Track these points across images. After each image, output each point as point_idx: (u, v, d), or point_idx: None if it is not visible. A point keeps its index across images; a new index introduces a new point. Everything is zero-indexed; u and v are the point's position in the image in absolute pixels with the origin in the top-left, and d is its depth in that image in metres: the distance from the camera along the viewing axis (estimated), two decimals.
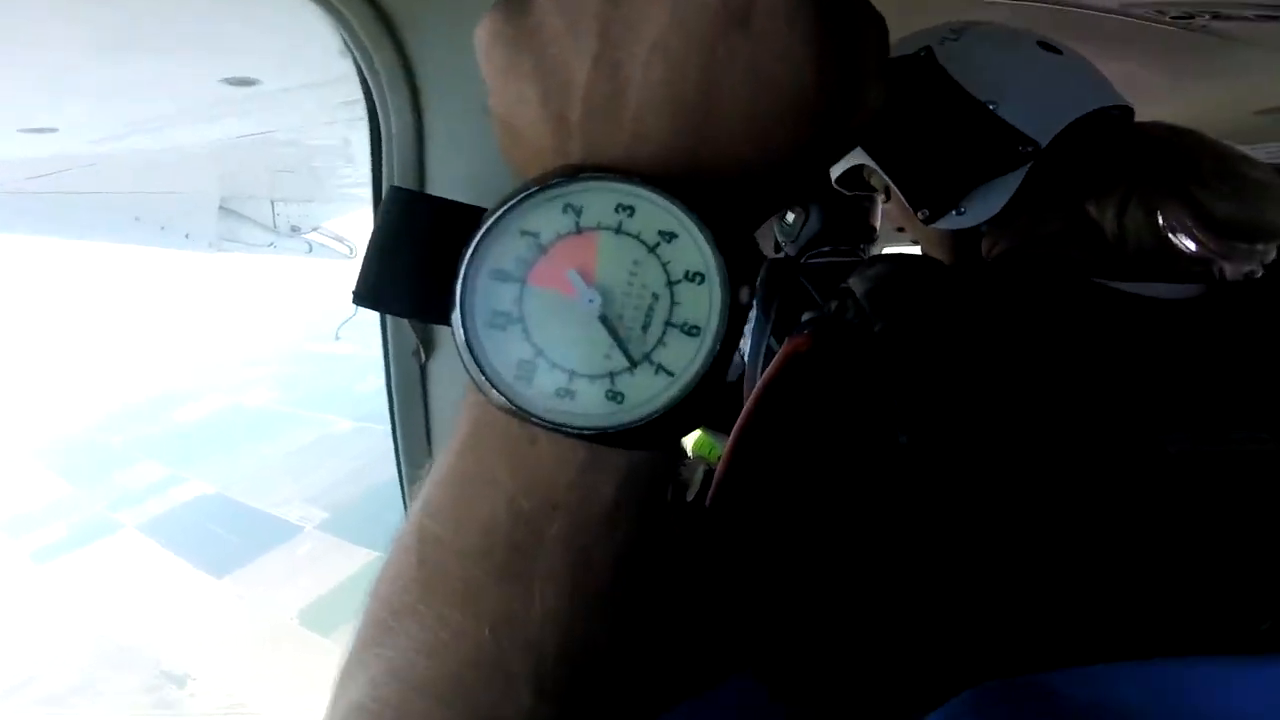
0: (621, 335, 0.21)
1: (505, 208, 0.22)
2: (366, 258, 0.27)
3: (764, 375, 0.58)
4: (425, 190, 0.37)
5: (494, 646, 0.24)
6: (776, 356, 0.59)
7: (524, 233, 0.22)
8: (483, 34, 0.25)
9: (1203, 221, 0.56)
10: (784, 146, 0.24)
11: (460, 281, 0.21)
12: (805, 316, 0.62)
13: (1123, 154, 0.62)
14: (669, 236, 0.21)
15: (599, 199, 0.21)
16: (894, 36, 0.71)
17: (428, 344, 0.37)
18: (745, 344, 1.77)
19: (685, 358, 0.21)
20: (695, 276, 0.21)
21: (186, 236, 2.95)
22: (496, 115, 0.26)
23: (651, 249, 0.21)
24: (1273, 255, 0.57)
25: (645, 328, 0.21)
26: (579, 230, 0.21)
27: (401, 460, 0.38)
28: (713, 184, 0.22)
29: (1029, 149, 0.63)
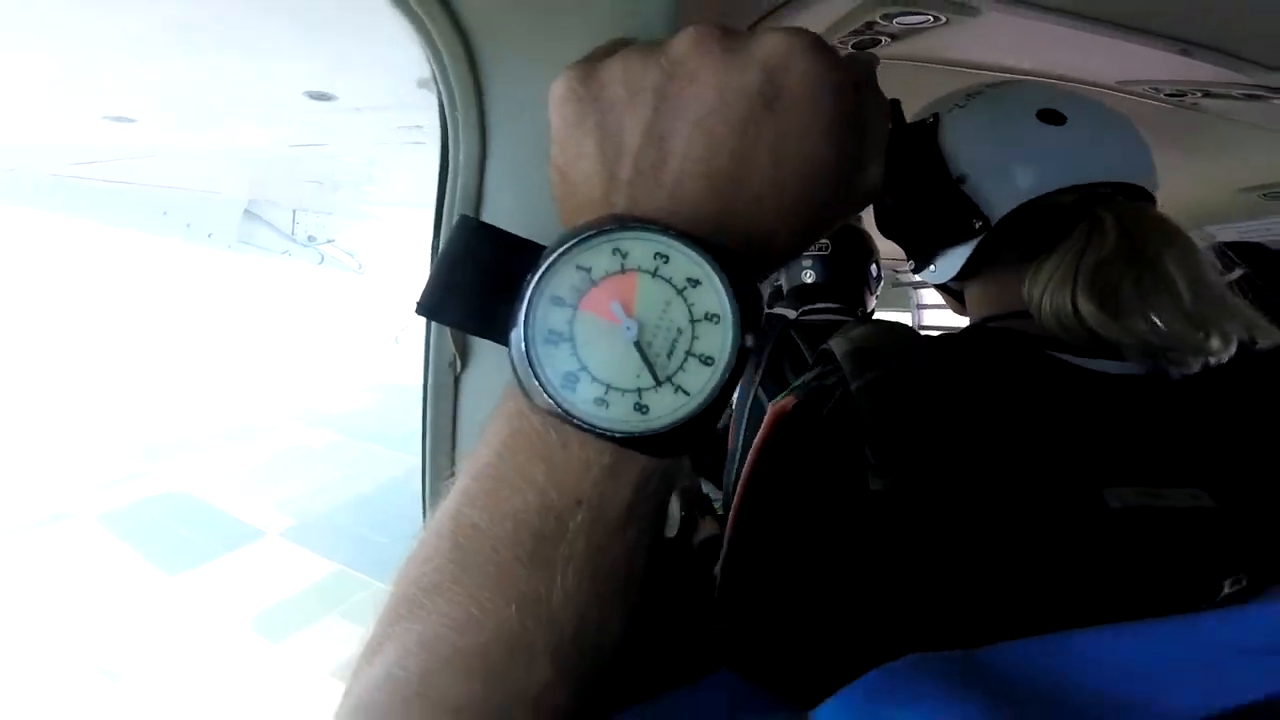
0: (651, 359, 0.25)
1: (567, 246, 0.26)
2: (433, 275, 0.31)
3: (758, 437, 0.63)
4: (480, 216, 0.42)
5: (518, 624, 0.27)
6: (766, 419, 0.63)
7: (579, 268, 0.26)
8: (558, 90, 0.30)
9: (1090, 327, 0.58)
10: (798, 215, 0.28)
11: (525, 303, 0.26)
12: (795, 382, 0.66)
13: (1056, 239, 0.63)
14: (694, 283, 0.26)
15: (642, 246, 0.26)
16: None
17: (464, 357, 0.41)
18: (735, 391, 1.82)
19: (700, 382, 0.25)
20: (713, 317, 0.26)
21: (209, 235, 3.02)
22: (556, 164, 0.30)
23: (680, 292, 0.26)
24: (1213, 353, 0.58)
25: (670, 355, 0.25)
26: (623, 270, 0.26)
27: (427, 457, 0.42)
28: (735, 242, 0.27)
29: (979, 224, 0.67)
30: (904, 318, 3.37)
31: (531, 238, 0.31)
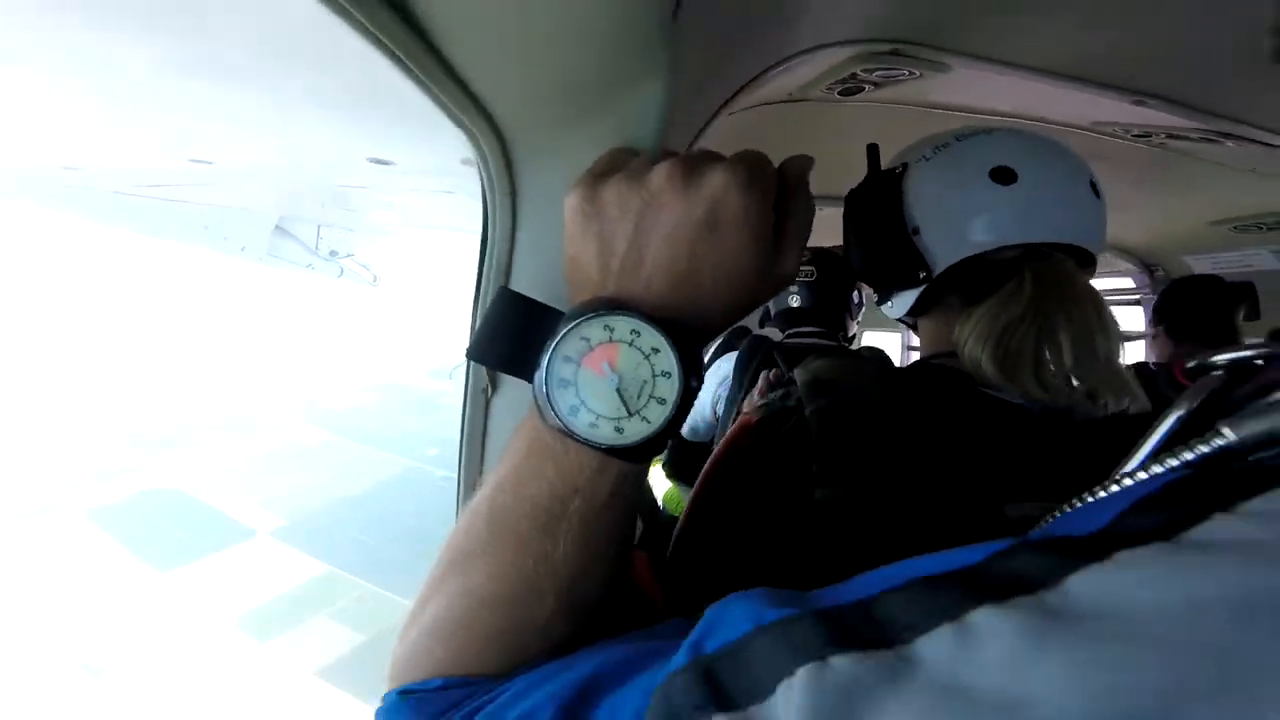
0: (626, 400, 0.39)
1: (574, 323, 0.39)
2: (478, 330, 0.45)
3: (723, 440, 0.73)
4: (509, 281, 0.56)
5: (534, 573, 0.40)
6: (733, 426, 0.74)
7: (582, 337, 0.39)
8: (570, 203, 0.43)
9: (990, 380, 0.66)
10: (731, 304, 0.41)
11: (546, 359, 0.40)
12: (769, 396, 0.75)
13: (989, 291, 0.70)
14: (656, 350, 0.39)
15: (623, 324, 0.39)
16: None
17: (494, 385, 0.54)
18: (720, 406, 1.94)
19: (658, 415, 0.39)
20: (667, 374, 0.39)
21: (243, 249, 3.20)
22: (568, 253, 0.43)
23: (646, 356, 0.39)
24: (1099, 412, 0.65)
25: (639, 397, 0.39)
26: (610, 340, 0.39)
27: (463, 461, 0.55)
28: (685, 323, 0.40)
29: (924, 275, 0.74)
30: (893, 336, 3.44)
31: (548, 295, 0.44)
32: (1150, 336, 1.89)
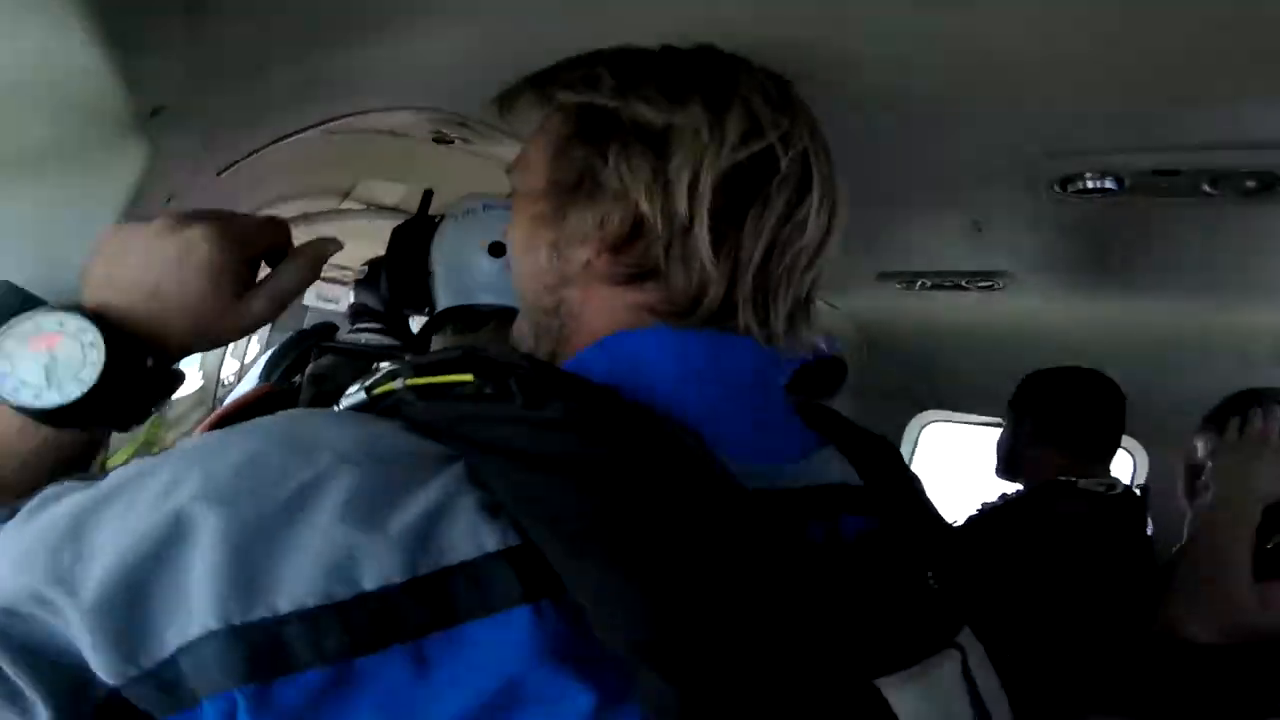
0: (50, 376, 0.51)
1: (34, 313, 0.52)
2: None
3: (240, 398, 0.93)
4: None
5: None
6: (250, 392, 0.95)
7: (35, 324, 0.51)
8: (107, 231, 0.56)
9: None
10: (188, 329, 0.56)
11: None
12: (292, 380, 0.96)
13: (467, 332, 0.95)
14: (92, 346, 0.52)
15: (74, 322, 0.52)
16: None
17: None
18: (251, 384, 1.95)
19: (72, 391, 0.51)
20: (94, 364, 0.52)
21: None
22: (89, 265, 0.56)
23: (83, 348, 0.52)
24: None
25: (67, 375, 0.51)
26: (58, 331, 0.52)
27: None
28: (133, 334, 0.53)
29: (428, 309, 1.01)
30: None
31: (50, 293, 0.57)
32: None
